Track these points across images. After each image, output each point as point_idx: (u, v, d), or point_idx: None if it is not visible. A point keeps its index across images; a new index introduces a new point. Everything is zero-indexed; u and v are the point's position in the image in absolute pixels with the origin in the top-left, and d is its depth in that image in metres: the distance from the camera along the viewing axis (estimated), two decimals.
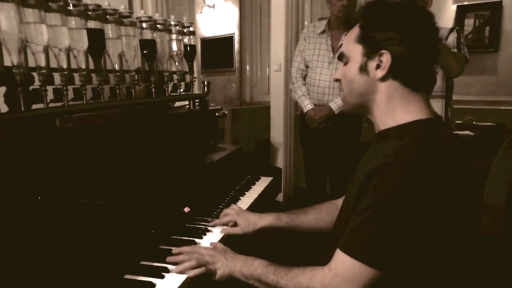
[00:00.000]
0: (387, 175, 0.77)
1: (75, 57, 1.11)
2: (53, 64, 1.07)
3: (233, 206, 1.26)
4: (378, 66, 0.87)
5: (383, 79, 0.87)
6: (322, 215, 1.21)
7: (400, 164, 0.77)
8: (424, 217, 0.75)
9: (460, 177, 0.80)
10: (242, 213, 1.21)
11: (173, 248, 0.99)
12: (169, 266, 0.93)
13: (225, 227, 1.18)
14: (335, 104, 2.25)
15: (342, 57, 0.96)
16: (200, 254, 0.96)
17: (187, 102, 1.79)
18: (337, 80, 0.99)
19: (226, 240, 1.12)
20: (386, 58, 0.85)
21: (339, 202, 1.13)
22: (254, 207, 1.40)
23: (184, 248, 0.98)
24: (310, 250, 1.14)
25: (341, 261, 0.79)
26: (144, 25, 1.38)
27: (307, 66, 2.43)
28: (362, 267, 0.76)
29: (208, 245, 1.06)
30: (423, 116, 0.87)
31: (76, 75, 1.12)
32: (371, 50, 0.88)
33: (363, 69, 0.89)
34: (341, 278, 0.78)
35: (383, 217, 0.76)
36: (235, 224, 1.19)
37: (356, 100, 0.94)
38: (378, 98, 0.90)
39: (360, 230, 0.78)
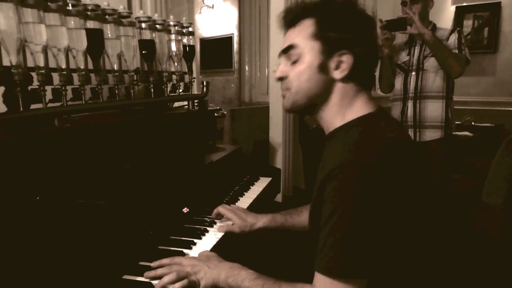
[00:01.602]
0: (340, 178, 0.75)
1: (74, 57, 1.11)
2: (52, 64, 1.07)
3: (232, 206, 1.26)
4: (337, 66, 0.85)
5: (343, 79, 0.85)
6: None
7: (351, 165, 0.75)
8: (385, 215, 0.74)
9: (413, 166, 0.80)
10: (238, 212, 1.20)
11: (151, 264, 0.92)
12: None
13: (222, 227, 1.17)
14: None
15: (288, 51, 0.88)
16: (180, 266, 0.90)
17: (186, 103, 1.79)
18: (281, 79, 0.91)
19: (224, 240, 1.12)
20: (347, 58, 0.83)
21: None
22: (253, 208, 1.40)
23: (164, 261, 0.91)
24: (306, 250, 1.14)
25: (323, 282, 0.76)
26: (143, 25, 1.38)
27: None
28: (345, 284, 0.74)
29: (206, 245, 1.05)
30: (366, 111, 0.87)
31: (75, 75, 1.12)
32: (331, 49, 0.84)
33: (323, 68, 0.85)
34: None
35: (344, 225, 0.73)
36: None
37: (307, 101, 0.89)
38: (331, 98, 0.88)
39: (328, 247, 0.75)
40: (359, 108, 0.87)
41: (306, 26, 0.86)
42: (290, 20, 0.90)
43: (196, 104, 1.76)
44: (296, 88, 0.88)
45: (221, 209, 1.21)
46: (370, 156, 0.75)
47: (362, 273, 0.73)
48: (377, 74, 2.35)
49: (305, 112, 0.93)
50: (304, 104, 0.89)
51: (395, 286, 0.82)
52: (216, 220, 1.21)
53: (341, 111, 0.88)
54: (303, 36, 0.86)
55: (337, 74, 0.85)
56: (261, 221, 1.19)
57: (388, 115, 0.89)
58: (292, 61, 0.88)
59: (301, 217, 1.21)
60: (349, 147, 0.79)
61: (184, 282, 0.86)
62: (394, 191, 0.74)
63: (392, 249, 0.76)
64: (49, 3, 0.99)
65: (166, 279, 0.85)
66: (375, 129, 0.83)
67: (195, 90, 1.87)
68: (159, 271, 0.88)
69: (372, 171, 0.73)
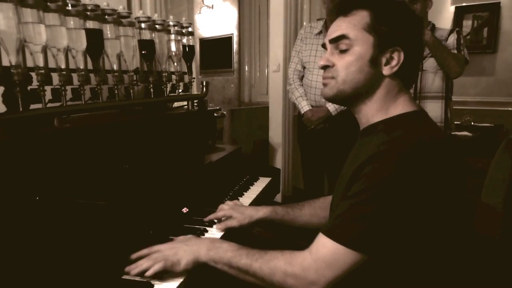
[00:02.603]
0: (379, 164, 0.77)
1: (73, 57, 1.11)
2: (52, 64, 1.07)
3: (228, 202, 1.25)
4: (387, 62, 0.85)
5: (392, 75, 0.86)
6: (316, 210, 1.21)
7: (392, 153, 0.77)
8: (413, 206, 0.75)
9: (449, 169, 0.81)
10: (236, 207, 1.20)
11: (131, 256, 0.91)
12: None
13: (220, 225, 1.16)
14: (333, 105, 2.25)
15: (339, 41, 0.87)
16: (158, 252, 0.88)
17: (185, 103, 1.79)
18: (326, 67, 0.90)
19: (225, 238, 1.11)
20: (398, 55, 0.84)
21: None
22: None
23: (142, 251, 0.90)
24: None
25: (324, 245, 0.77)
26: (142, 25, 1.38)
27: (304, 67, 2.43)
28: (346, 252, 0.74)
29: None
30: (409, 109, 0.88)
31: (74, 75, 1.12)
32: (384, 44, 0.83)
33: (374, 61, 0.84)
34: (322, 262, 0.76)
35: (372, 203, 0.75)
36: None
37: (353, 91, 0.87)
38: (376, 93, 0.88)
39: (347, 215, 0.77)
40: (402, 106, 0.88)
41: (361, 17, 0.85)
42: (343, 8, 0.88)
43: (195, 104, 1.76)
44: (343, 78, 0.87)
45: (219, 213, 1.19)
46: (409, 149, 0.76)
47: (368, 251, 0.75)
48: None
49: (346, 103, 0.93)
50: (350, 94, 0.88)
51: (395, 282, 0.82)
52: (215, 220, 1.21)
53: (384, 107, 0.88)
54: (356, 27, 0.85)
55: (387, 70, 0.85)
56: (261, 211, 1.18)
57: (428, 116, 0.89)
58: (340, 50, 0.87)
59: (303, 211, 1.21)
60: (389, 139, 0.80)
61: (160, 264, 0.85)
62: (425, 187, 0.75)
63: (404, 240, 0.77)
64: (48, 3, 0.99)
65: (144, 266, 0.85)
66: (417, 126, 0.84)
67: (194, 90, 1.87)
68: (140, 262, 0.87)
69: (408, 163, 0.75)
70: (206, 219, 1.19)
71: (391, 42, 0.84)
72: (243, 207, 1.21)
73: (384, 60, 0.85)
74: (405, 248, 0.79)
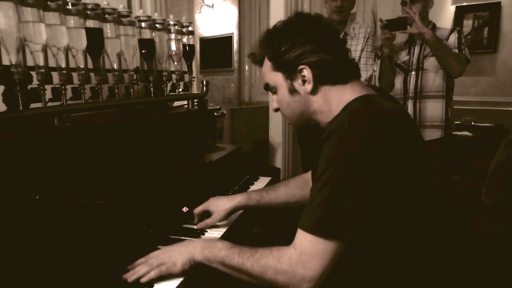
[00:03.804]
0: (334, 141, 0.77)
1: (73, 56, 1.11)
2: (52, 63, 1.07)
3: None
4: (303, 82, 0.90)
5: (313, 90, 0.91)
6: (292, 189, 1.22)
7: (347, 130, 0.77)
8: (376, 183, 0.75)
9: (408, 137, 0.82)
10: (211, 200, 1.19)
11: (128, 267, 0.90)
12: None
13: (200, 224, 1.15)
14: None
15: (269, 88, 0.99)
16: (155, 258, 0.89)
17: (185, 102, 1.79)
18: (277, 110, 1.01)
19: (225, 238, 1.11)
20: (306, 72, 0.89)
21: (309, 175, 1.15)
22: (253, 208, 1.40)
23: (139, 261, 0.90)
24: None
25: (303, 238, 0.77)
26: (143, 24, 1.38)
27: None
28: (323, 242, 0.75)
29: None
30: (364, 93, 0.89)
31: (74, 75, 1.12)
32: (290, 72, 0.91)
33: (293, 90, 0.93)
34: (306, 256, 0.76)
35: (332, 186, 0.75)
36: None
37: (301, 119, 0.97)
38: (316, 106, 0.93)
39: (315, 205, 0.77)
40: (351, 96, 0.89)
41: (266, 63, 0.96)
42: (257, 62, 1.01)
43: (195, 103, 1.76)
44: (286, 115, 0.99)
45: (196, 209, 1.19)
46: (365, 123, 0.77)
47: (344, 236, 0.74)
48: (376, 74, 2.35)
49: (309, 126, 0.99)
50: (301, 123, 0.98)
51: (372, 257, 0.83)
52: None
53: (332, 110, 0.91)
54: (268, 72, 0.96)
55: (307, 89, 0.91)
56: (236, 199, 1.19)
57: (388, 95, 0.91)
58: (273, 93, 0.99)
59: (278, 193, 1.22)
60: (345, 115, 0.81)
61: (158, 269, 0.87)
62: (387, 160, 0.75)
63: (379, 222, 0.77)
64: (48, 2, 0.99)
65: (141, 272, 0.86)
66: (371, 101, 0.86)
67: (194, 90, 1.87)
68: (137, 268, 0.88)
69: (366, 137, 0.75)
70: (196, 221, 1.18)
71: (293, 67, 0.90)
72: (216, 199, 1.20)
73: (300, 83, 0.91)
74: (384, 232, 0.79)
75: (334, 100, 0.91)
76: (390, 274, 0.84)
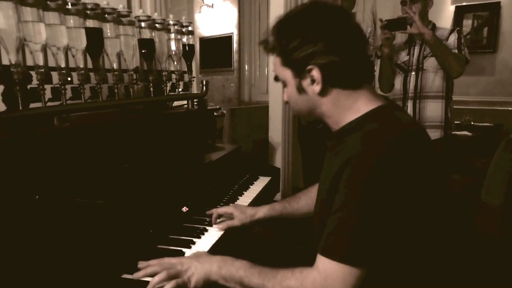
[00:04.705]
0: (355, 168, 0.77)
1: (73, 56, 1.11)
2: (51, 63, 1.07)
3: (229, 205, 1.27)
4: (312, 82, 0.86)
5: (322, 92, 0.86)
6: (313, 199, 1.22)
7: (367, 155, 0.76)
8: (398, 207, 0.75)
9: (428, 160, 0.81)
10: (238, 206, 1.23)
11: (139, 265, 0.89)
12: None
13: (222, 224, 1.16)
14: None
15: (279, 80, 0.96)
16: (169, 264, 0.87)
17: (185, 102, 1.79)
18: (287, 102, 0.98)
19: (223, 239, 1.12)
20: (315, 72, 0.84)
21: None
22: None
23: (151, 262, 0.89)
24: (306, 249, 1.14)
25: (328, 262, 0.77)
26: (142, 24, 1.38)
27: None
28: (348, 268, 0.75)
29: (206, 245, 1.05)
30: (374, 106, 0.87)
31: (74, 74, 1.12)
32: (299, 70, 0.87)
33: (301, 89, 0.89)
34: (332, 280, 0.76)
35: (356, 214, 0.75)
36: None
37: (307, 117, 0.96)
38: (325, 109, 0.90)
39: (337, 231, 0.77)
40: (363, 106, 0.87)
41: (275, 56, 0.92)
42: (268, 51, 0.95)
43: (195, 103, 1.76)
44: (294, 111, 0.98)
45: (220, 209, 1.21)
46: (384, 146, 0.76)
47: (366, 263, 0.75)
48: (376, 73, 2.35)
49: (318, 125, 0.98)
50: (307, 120, 0.98)
51: (396, 283, 0.82)
52: (213, 209, 1.22)
53: (342, 114, 0.89)
54: (277, 66, 0.92)
55: (315, 89, 0.87)
56: (261, 211, 1.21)
57: (400, 107, 0.89)
58: (283, 86, 0.95)
59: (300, 203, 1.24)
60: (362, 138, 0.79)
61: (174, 282, 0.83)
62: (409, 182, 0.75)
63: (399, 243, 0.77)
64: (48, 2, 0.99)
65: (156, 279, 0.83)
66: (387, 117, 0.83)
67: (194, 89, 1.87)
68: (149, 269, 0.86)
69: (385, 161, 0.74)
70: (208, 212, 1.21)
71: (303, 65, 0.85)
72: (243, 206, 1.23)
73: (309, 82, 0.87)
74: (402, 249, 0.79)
75: (345, 106, 0.88)
76: (405, 284, 0.83)
